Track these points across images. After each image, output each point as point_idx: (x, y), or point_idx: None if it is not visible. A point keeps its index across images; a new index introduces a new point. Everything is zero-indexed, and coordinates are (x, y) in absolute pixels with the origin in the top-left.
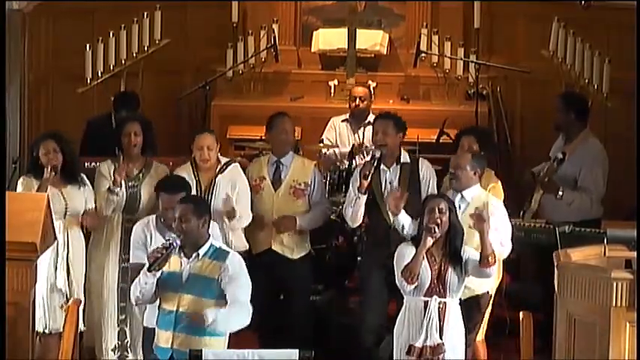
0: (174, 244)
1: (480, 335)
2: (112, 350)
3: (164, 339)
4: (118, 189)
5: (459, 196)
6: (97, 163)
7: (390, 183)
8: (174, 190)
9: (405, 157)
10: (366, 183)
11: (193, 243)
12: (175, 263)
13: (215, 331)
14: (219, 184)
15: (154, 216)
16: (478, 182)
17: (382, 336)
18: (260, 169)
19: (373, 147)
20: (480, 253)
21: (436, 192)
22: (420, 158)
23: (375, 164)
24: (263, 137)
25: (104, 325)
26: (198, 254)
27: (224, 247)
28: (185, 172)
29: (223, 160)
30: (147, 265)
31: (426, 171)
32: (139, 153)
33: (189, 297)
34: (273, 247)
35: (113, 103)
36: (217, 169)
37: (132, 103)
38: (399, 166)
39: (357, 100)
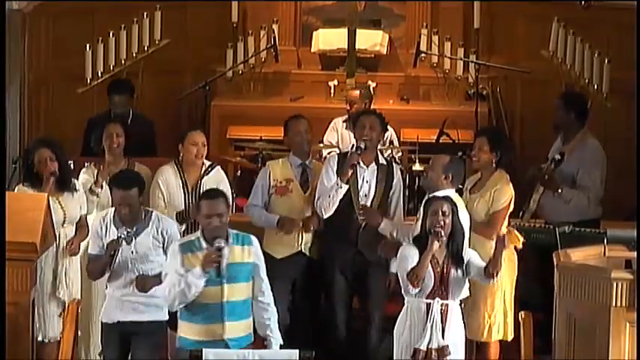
0: (223, 244)
1: (499, 337)
2: (99, 355)
3: (212, 332)
4: (99, 190)
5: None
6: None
7: (367, 182)
8: (127, 186)
9: (381, 159)
10: (350, 172)
11: (222, 233)
12: None
13: (246, 314)
14: (205, 186)
15: (114, 209)
16: (450, 187)
17: (354, 331)
18: (284, 172)
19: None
20: (489, 266)
21: (402, 201)
22: (394, 164)
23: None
24: (263, 137)
25: (92, 329)
26: (229, 243)
27: (239, 232)
28: (171, 171)
29: (207, 162)
30: (199, 271)
31: (399, 179)
32: (122, 154)
33: (231, 286)
34: (302, 250)
35: (107, 92)
36: (202, 171)
37: (124, 88)
38: (376, 167)
39: (350, 104)
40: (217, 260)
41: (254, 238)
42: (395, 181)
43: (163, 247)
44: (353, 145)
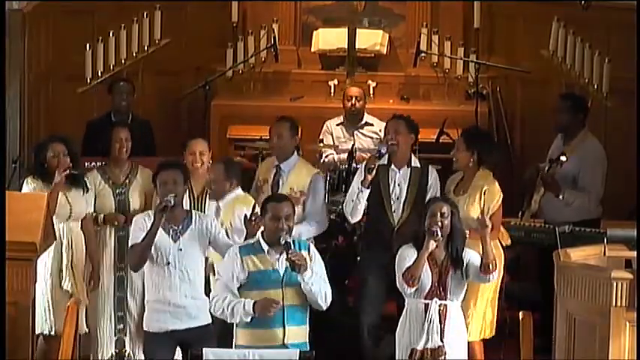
0: (289, 239)
1: (478, 336)
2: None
3: (272, 337)
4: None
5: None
6: (97, 163)
7: (398, 185)
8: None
9: (415, 162)
10: (370, 177)
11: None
12: (266, 262)
13: (302, 320)
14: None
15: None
16: (233, 190)
17: (380, 336)
18: (265, 171)
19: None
20: (481, 260)
21: None
22: (430, 166)
23: (384, 161)
24: (263, 137)
25: (99, 334)
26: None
27: (295, 237)
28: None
29: None
30: (250, 309)
31: (435, 180)
32: (126, 157)
33: (290, 289)
34: None
35: (108, 91)
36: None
37: (126, 87)
38: (409, 169)
39: (354, 99)
40: (298, 263)
41: (310, 243)
42: (430, 182)
43: (209, 241)
44: (377, 148)
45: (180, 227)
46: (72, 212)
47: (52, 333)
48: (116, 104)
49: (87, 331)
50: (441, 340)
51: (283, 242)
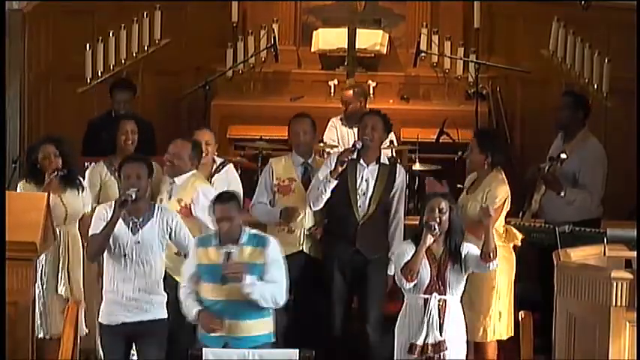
0: (232, 249)
1: (492, 337)
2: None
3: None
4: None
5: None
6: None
7: (365, 180)
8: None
9: (384, 159)
10: (340, 169)
11: (233, 234)
12: (215, 255)
13: (261, 313)
14: (215, 184)
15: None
16: (193, 169)
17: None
18: (287, 170)
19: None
20: (482, 248)
21: (403, 202)
22: (398, 165)
23: (355, 155)
24: (263, 137)
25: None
26: (239, 243)
27: (258, 232)
28: None
29: (218, 160)
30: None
31: (402, 180)
32: (132, 151)
33: (236, 285)
34: (304, 250)
35: (109, 91)
36: (213, 169)
37: (127, 87)
38: (377, 166)
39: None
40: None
41: (272, 240)
42: (397, 181)
43: (170, 236)
44: (353, 143)
45: (141, 220)
46: (67, 213)
47: (48, 337)
48: (116, 108)
49: (87, 332)
50: (441, 335)
51: (224, 252)
